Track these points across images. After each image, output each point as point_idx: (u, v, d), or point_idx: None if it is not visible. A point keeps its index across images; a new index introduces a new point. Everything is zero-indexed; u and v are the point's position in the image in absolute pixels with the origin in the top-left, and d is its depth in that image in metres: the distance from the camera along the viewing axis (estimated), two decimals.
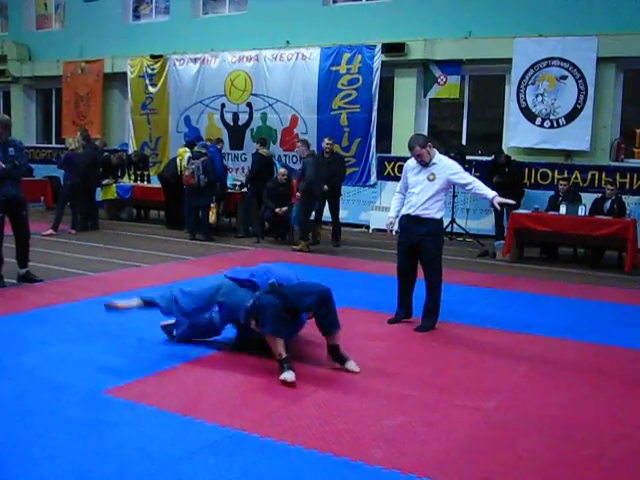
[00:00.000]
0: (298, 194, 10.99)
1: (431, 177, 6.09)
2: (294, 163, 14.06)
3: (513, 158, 11.95)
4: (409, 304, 6.41)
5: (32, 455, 3.42)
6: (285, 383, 4.50)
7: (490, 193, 6.10)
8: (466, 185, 6.17)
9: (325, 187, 11.35)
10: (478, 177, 11.69)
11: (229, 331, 5.48)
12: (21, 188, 7.65)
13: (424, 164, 6.13)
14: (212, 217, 11.99)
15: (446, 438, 3.78)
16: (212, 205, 12.00)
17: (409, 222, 6.22)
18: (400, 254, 6.36)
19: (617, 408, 4.37)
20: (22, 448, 3.50)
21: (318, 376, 4.76)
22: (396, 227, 6.50)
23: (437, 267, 6.24)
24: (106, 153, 14.56)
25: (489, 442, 3.76)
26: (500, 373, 5.04)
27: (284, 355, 4.65)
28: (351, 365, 4.89)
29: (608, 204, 10.29)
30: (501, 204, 6.10)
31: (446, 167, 6.13)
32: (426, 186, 6.10)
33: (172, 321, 5.57)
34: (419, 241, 6.14)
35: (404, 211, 6.28)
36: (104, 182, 13.93)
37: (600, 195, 10.63)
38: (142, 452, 3.47)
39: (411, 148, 6.13)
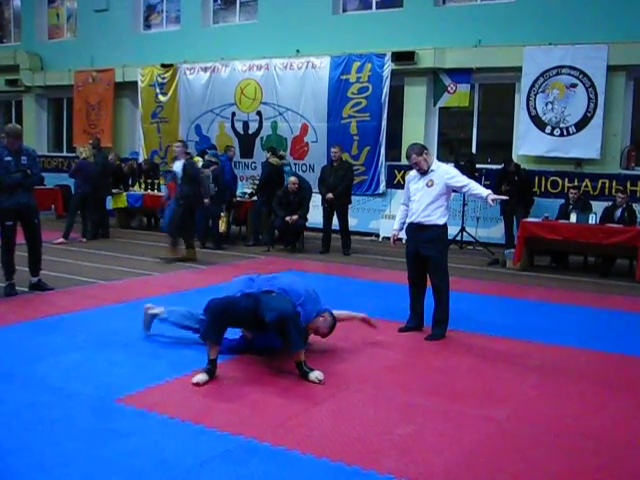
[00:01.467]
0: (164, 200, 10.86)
1: (429, 183, 6.16)
2: (304, 172, 14.09)
3: (523, 166, 11.92)
4: (420, 313, 6.42)
5: (44, 464, 3.43)
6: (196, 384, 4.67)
7: (484, 192, 6.17)
8: (462, 187, 6.21)
9: (330, 195, 11.41)
10: (488, 185, 11.82)
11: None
12: (33, 197, 7.69)
13: (423, 172, 6.21)
14: (222, 226, 12.03)
15: (457, 447, 3.77)
16: (222, 214, 12.04)
17: (413, 230, 6.29)
18: (408, 263, 6.40)
19: (629, 417, 4.35)
20: (34, 456, 3.51)
21: (329, 385, 4.76)
22: (403, 235, 6.53)
23: (443, 273, 6.25)
24: (118, 162, 14.62)
25: (500, 452, 3.75)
26: (511, 382, 5.03)
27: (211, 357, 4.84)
28: (313, 376, 4.81)
29: (619, 212, 10.25)
30: (495, 200, 6.14)
31: (443, 172, 6.21)
32: (425, 192, 6.17)
33: (160, 309, 5.79)
34: (423, 248, 6.18)
35: (408, 220, 6.36)
36: (115, 191, 13.99)
37: (611, 203, 10.60)
38: (153, 461, 3.48)
39: (408, 157, 6.27)
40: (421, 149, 6.24)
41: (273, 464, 3.48)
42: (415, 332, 6.32)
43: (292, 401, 4.41)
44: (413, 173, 6.36)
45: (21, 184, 7.36)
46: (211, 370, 4.79)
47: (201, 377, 4.71)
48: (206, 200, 10.58)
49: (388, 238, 12.99)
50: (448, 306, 6.23)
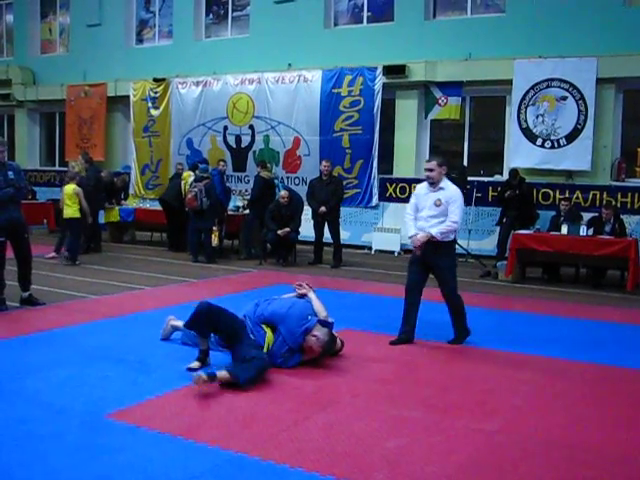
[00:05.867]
0: None
1: (437, 202, 6.26)
2: (296, 185, 14.11)
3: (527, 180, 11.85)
4: (413, 325, 6.42)
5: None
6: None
7: (434, 229, 6.22)
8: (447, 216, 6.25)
9: (323, 209, 11.44)
10: (479, 197, 11.87)
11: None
12: (22, 211, 7.66)
13: (431, 183, 6.29)
14: (215, 240, 12.02)
15: (448, 460, 3.76)
16: (214, 228, 12.03)
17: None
18: (410, 267, 6.47)
19: (619, 429, 4.35)
20: (23, 473, 3.49)
21: (319, 399, 4.75)
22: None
23: (453, 283, 6.42)
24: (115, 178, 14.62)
25: (491, 464, 3.74)
26: (502, 394, 5.03)
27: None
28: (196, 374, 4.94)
29: (609, 225, 10.22)
30: None
31: (449, 196, 6.25)
32: (433, 211, 6.26)
33: (181, 322, 5.88)
34: (431, 258, 6.28)
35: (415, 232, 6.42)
36: (107, 205, 13.97)
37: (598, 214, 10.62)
38: (144, 477, 3.46)
39: (428, 160, 6.46)
40: (442, 161, 6.34)
41: (262, 478, 3.47)
42: (406, 345, 6.32)
43: (282, 415, 4.40)
44: (421, 190, 6.45)
45: (12, 199, 7.34)
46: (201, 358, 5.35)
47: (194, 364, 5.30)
48: None
49: (381, 251, 13.11)
50: (464, 313, 6.46)
